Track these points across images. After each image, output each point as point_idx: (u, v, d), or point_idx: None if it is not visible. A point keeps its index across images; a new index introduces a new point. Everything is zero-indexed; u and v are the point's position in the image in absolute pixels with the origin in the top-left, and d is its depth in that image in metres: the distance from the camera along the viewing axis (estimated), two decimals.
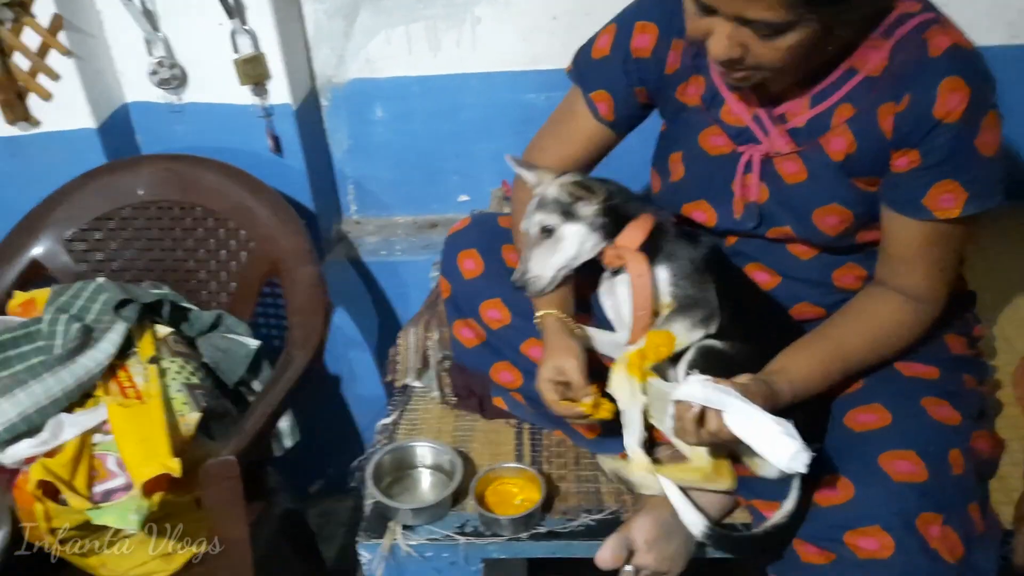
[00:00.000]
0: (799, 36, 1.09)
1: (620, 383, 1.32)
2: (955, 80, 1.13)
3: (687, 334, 1.31)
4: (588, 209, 1.32)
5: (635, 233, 1.34)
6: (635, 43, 1.35)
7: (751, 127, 1.30)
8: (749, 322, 1.34)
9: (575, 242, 1.33)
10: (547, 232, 1.32)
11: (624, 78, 1.38)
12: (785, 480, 1.24)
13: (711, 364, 1.27)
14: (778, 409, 1.16)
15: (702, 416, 1.14)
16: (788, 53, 1.11)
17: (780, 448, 1.07)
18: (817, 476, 1.22)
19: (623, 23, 1.37)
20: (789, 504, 1.23)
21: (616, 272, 1.38)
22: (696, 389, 1.14)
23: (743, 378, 1.17)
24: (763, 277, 1.40)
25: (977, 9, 1.90)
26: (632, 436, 1.34)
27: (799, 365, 1.25)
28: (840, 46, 1.18)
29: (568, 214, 1.32)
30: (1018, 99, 1.93)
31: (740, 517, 1.37)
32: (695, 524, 1.28)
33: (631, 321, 1.35)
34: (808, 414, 1.28)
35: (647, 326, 1.33)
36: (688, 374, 1.22)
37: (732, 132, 1.31)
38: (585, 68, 1.42)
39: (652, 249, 1.34)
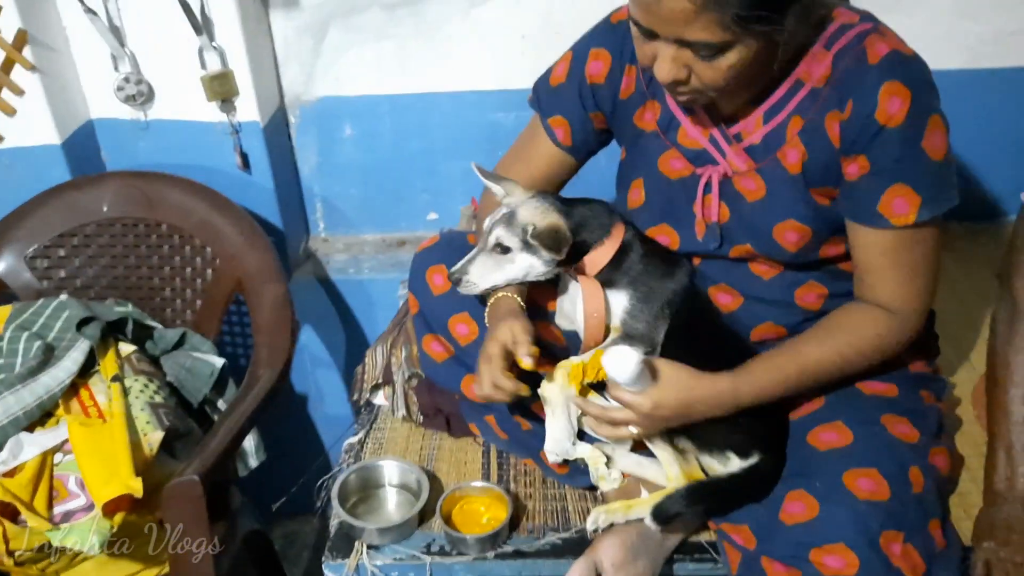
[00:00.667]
0: (739, 55, 1.12)
1: (556, 387, 1.34)
2: (894, 84, 1.16)
3: None
4: (542, 257, 1.32)
5: (597, 259, 1.36)
6: (590, 70, 1.38)
7: (708, 149, 1.32)
8: (698, 348, 1.35)
9: (523, 269, 1.34)
10: (501, 248, 1.33)
11: (580, 104, 1.41)
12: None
13: None
14: (712, 397, 1.25)
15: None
16: (730, 72, 1.14)
17: (620, 357, 1.20)
18: (777, 473, 1.28)
19: (578, 51, 1.41)
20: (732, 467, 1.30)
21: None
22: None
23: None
24: (726, 299, 1.41)
25: (936, 35, 1.94)
26: (562, 432, 1.37)
27: (752, 370, 1.27)
28: (785, 61, 1.20)
29: (527, 245, 1.32)
30: (976, 121, 2.00)
31: (706, 537, 1.38)
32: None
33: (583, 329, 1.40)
34: (765, 426, 1.32)
35: (598, 342, 1.37)
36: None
37: (690, 155, 1.34)
38: (543, 95, 1.46)
39: (615, 269, 1.36)
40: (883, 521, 1.17)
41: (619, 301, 1.38)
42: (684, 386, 1.24)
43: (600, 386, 1.34)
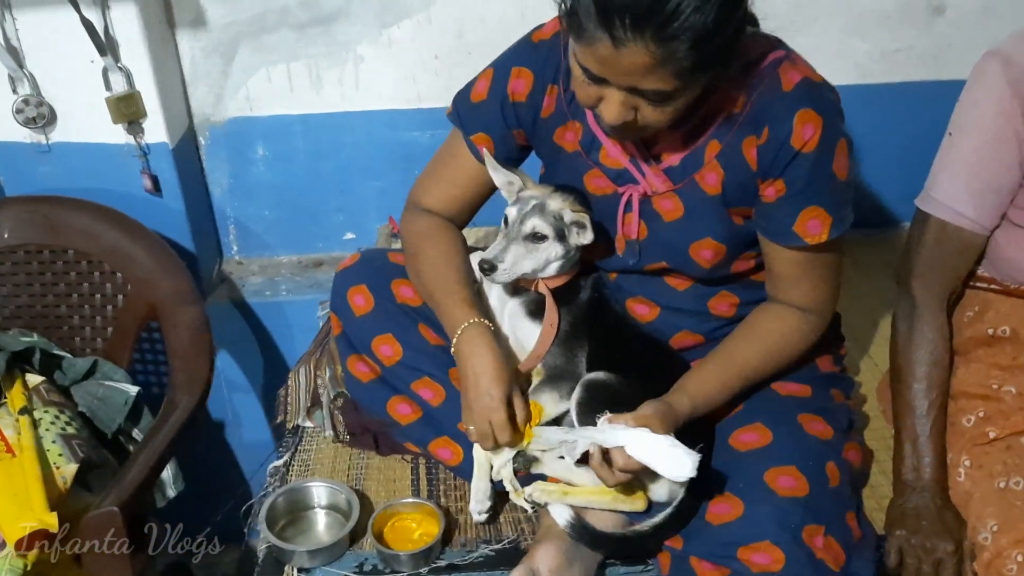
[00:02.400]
0: (686, 98, 1.16)
1: (482, 453, 1.41)
2: (807, 112, 1.22)
3: (554, 406, 1.39)
4: (575, 240, 1.35)
5: (562, 277, 1.39)
6: (511, 87, 1.39)
7: (628, 168, 1.35)
8: (628, 358, 1.40)
9: (548, 259, 1.36)
10: (536, 238, 1.34)
11: (502, 121, 1.42)
12: (671, 503, 1.32)
13: (595, 396, 1.33)
14: (679, 425, 1.25)
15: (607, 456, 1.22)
16: (675, 113, 1.18)
17: (675, 461, 1.16)
18: (700, 495, 1.30)
19: (499, 68, 1.41)
20: (658, 518, 1.31)
21: (513, 294, 1.43)
22: (599, 435, 1.22)
23: (645, 408, 1.24)
24: (643, 309, 1.45)
25: (828, 53, 2.05)
26: (484, 492, 1.41)
27: (697, 383, 1.32)
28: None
29: (561, 235, 1.34)
30: (867, 134, 2.12)
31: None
32: (560, 515, 1.32)
33: (520, 345, 1.43)
34: (693, 437, 1.35)
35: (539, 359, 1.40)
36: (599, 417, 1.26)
37: (612, 174, 1.37)
38: (464, 111, 1.45)
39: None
40: (804, 516, 1.22)
41: (534, 335, 1.40)
42: (670, 426, 1.24)
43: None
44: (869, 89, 2.13)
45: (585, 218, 1.32)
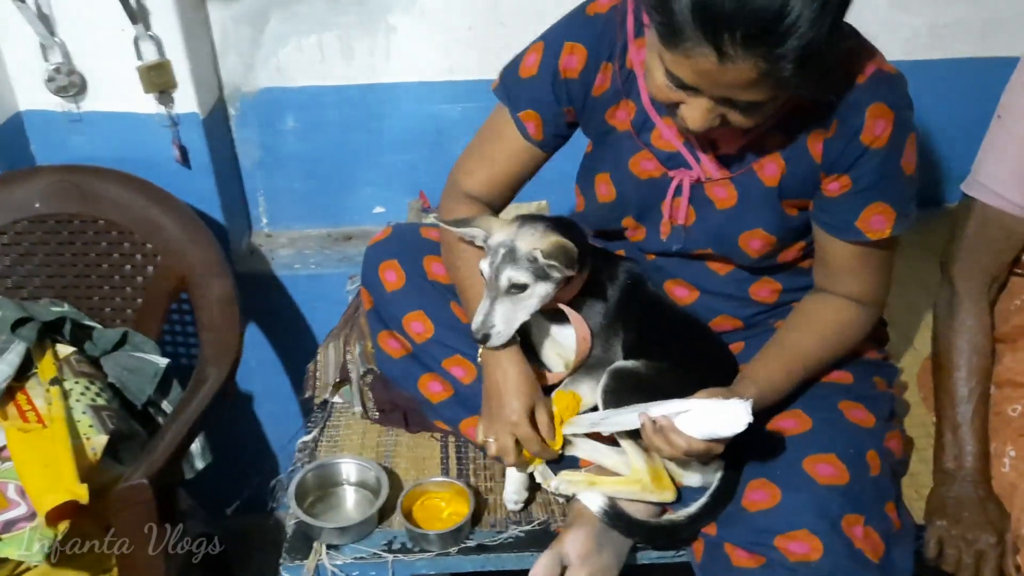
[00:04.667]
0: (776, 103, 1.12)
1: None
2: (880, 107, 1.17)
3: (592, 394, 1.35)
4: (559, 274, 1.27)
5: (575, 282, 1.34)
6: (563, 63, 1.33)
7: (682, 152, 1.31)
8: (664, 342, 1.37)
9: (541, 299, 1.29)
10: (517, 288, 1.27)
11: (553, 98, 1.36)
12: (705, 489, 1.30)
13: (623, 384, 1.30)
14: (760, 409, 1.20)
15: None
16: (763, 118, 1.14)
17: (726, 414, 1.12)
18: (734, 484, 1.28)
19: (551, 42, 1.35)
20: (693, 508, 1.28)
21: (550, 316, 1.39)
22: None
23: (703, 393, 1.20)
24: (682, 292, 1.42)
25: (874, 28, 1.99)
26: (519, 483, 1.40)
27: (761, 370, 1.28)
28: None
29: (540, 273, 1.26)
30: (915, 111, 2.06)
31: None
32: (593, 502, 1.29)
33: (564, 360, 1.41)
34: None
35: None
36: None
37: (662, 156, 1.32)
38: (513, 87, 1.39)
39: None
40: (843, 505, 1.20)
41: (571, 331, 1.36)
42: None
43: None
44: (916, 65, 2.04)
45: (558, 257, 1.22)
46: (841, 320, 1.33)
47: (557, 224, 1.31)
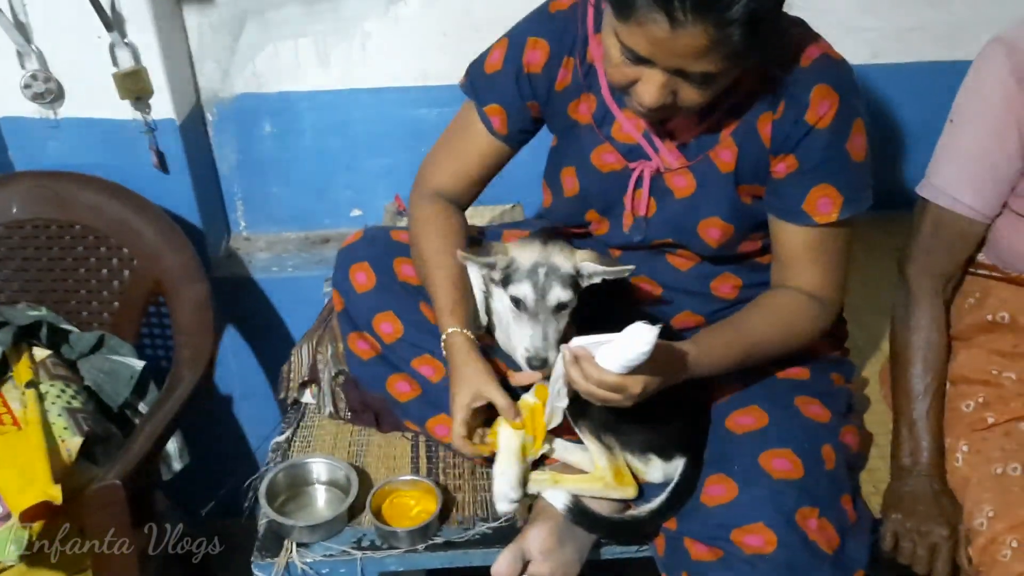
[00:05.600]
0: (726, 78, 1.15)
1: (511, 433, 1.36)
2: (824, 88, 1.21)
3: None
4: (585, 284, 1.32)
5: None
6: (527, 58, 1.37)
7: (641, 144, 1.34)
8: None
9: (569, 312, 1.33)
10: (562, 307, 1.31)
11: (517, 92, 1.39)
12: (667, 485, 1.32)
13: None
14: (679, 363, 1.22)
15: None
16: (713, 94, 1.17)
17: (636, 337, 1.11)
18: (694, 480, 1.30)
19: (515, 38, 1.39)
20: (655, 503, 1.31)
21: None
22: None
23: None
24: (645, 288, 1.45)
25: (841, 31, 2.01)
26: (513, 479, 1.36)
27: (702, 338, 1.29)
28: None
29: (575, 286, 1.31)
30: (880, 114, 2.09)
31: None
32: (557, 499, 1.31)
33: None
34: (689, 421, 1.36)
35: None
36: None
37: (623, 149, 1.36)
38: (478, 82, 1.43)
39: None
40: (798, 498, 1.22)
41: None
42: (664, 363, 1.19)
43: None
44: (881, 69, 2.09)
45: (607, 271, 1.29)
46: (791, 308, 1.34)
47: (553, 235, 1.36)
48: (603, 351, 1.15)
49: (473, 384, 1.34)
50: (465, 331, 1.38)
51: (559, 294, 1.29)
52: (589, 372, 1.16)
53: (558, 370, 1.25)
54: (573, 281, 1.30)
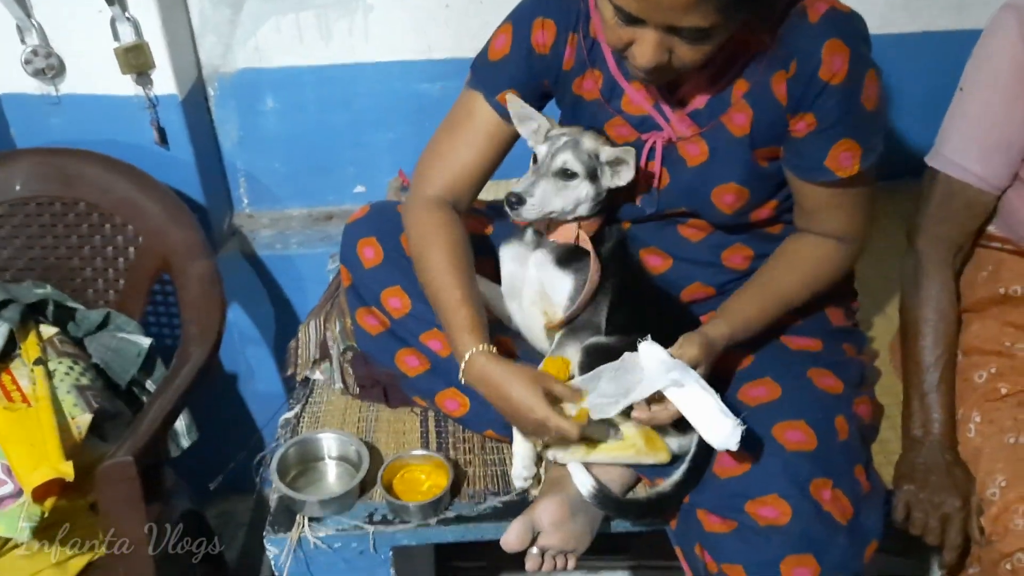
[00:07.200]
0: (722, 35, 1.14)
1: None
2: (835, 42, 1.20)
3: (578, 357, 1.35)
4: (607, 182, 1.33)
5: (588, 227, 1.37)
6: (536, 39, 1.34)
7: (652, 115, 1.33)
8: (637, 312, 1.39)
9: (578, 200, 1.34)
10: (566, 175, 1.32)
11: (529, 74, 1.37)
12: (681, 458, 1.31)
13: (596, 360, 1.30)
14: (719, 353, 1.27)
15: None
16: (710, 52, 1.16)
17: (718, 427, 1.16)
18: (711, 450, 1.27)
19: (520, 21, 1.36)
20: (676, 475, 1.30)
21: (537, 246, 1.40)
22: (654, 375, 1.20)
23: (687, 346, 1.23)
24: (656, 261, 1.44)
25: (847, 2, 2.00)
26: (529, 456, 1.38)
27: (735, 308, 1.32)
28: None
29: (592, 175, 1.32)
30: (889, 84, 2.07)
31: (642, 492, 1.41)
32: (584, 484, 1.31)
33: (529, 297, 1.41)
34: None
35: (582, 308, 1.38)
36: (640, 341, 1.24)
37: (635, 121, 1.35)
38: (486, 72, 1.39)
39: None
40: (812, 469, 1.22)
41: (563, 286, 1.37)
42: (710, 365, 1.25)
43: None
44: (892, 38, 2.07)
45: (630, 154, 1.30)
46: (818, 255, 1.36)
47: (598, 130, 1.36)
48: (685, 395, 1.19)
49: (532, 384, 1.27)
50: (485, 346, 1.31)
51: (566, 158, 1.31)
52: (663, 416, 1.23)
53: (608, 388, 1.25)
54: (588, 160, 1.32)
